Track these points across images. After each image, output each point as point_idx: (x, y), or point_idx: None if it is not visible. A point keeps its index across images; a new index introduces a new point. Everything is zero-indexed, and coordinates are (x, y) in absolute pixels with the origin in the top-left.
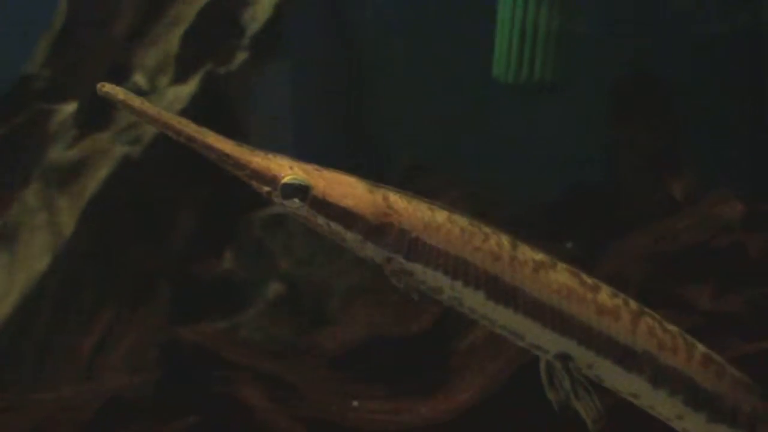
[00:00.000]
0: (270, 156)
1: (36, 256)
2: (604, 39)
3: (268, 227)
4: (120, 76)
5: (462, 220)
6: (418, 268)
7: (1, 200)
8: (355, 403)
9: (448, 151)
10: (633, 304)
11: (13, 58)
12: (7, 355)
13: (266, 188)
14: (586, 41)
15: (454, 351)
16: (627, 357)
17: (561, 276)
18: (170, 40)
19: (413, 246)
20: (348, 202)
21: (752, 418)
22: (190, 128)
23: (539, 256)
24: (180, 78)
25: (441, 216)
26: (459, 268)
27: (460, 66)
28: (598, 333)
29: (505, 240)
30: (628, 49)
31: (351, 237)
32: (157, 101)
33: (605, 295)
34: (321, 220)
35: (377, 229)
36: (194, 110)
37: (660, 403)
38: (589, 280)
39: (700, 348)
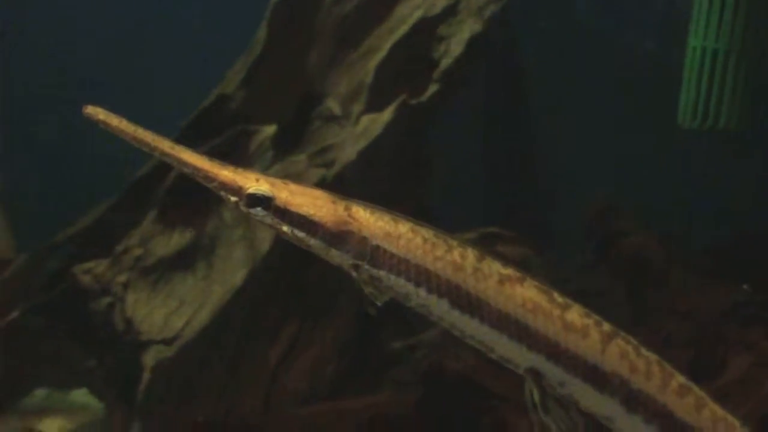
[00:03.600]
0: (239, 170)
1: (232, 269)
2: None
3: None
4: (313, 101)
5: (426, 232)
6: (381, 274)
7: (201, 215)
8: None
9: (628, 194)
10: (607, 326)
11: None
12: (201, 361)
13: (233, 198)
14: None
15: None
16: (596, 376)
17: (528, 291)
18: (364, 70)
19: (375, 253)
20: (309, 211)
21: None
22: (165, 144)
23: (507, 271)
24: (371, 106)
25: (404, 227)
26: (421, 276)
27: (644, 111)
28: (565, 349)
29: (471, 253)
30: None
31: (315, 244)
32: (352, 127)
33: (575, 313)
34: (286, 227)
35: (338, 236)
36: (387, 139)
37: (636, 431)
38: (560, 299)
39: (679, 378)
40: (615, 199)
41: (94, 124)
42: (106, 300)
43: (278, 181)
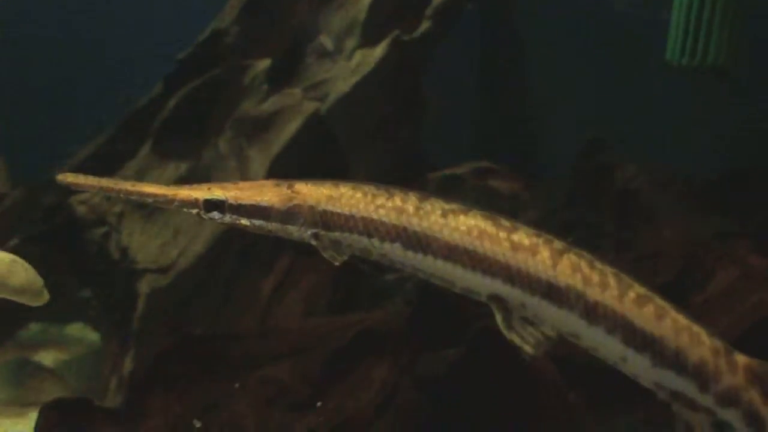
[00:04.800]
0: (194, 186)
1: None
2: None
3: (443, 188)
4: (306, 37)
5: (367, 187)
6: (337, 235)
7: (196, 146)
8: None
9: (619, 129)
10: (558, 243)
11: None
12: (196, 291)
13: (194, 210)
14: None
15: (690, 304)
16: (551, 293)
17: (472, 219)
18: (358, 6)
19: (324, 217)
20: (257, 199)
21: (701, 369)
22: (126, 185)
23: (451, 206)
24: (365, 42)
25: (344, 187)
26: (369, 227)
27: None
28: (517, 270)
29: (412, 196)
30: None
31: (273, 227)
32: (345, 62)
33: (523, 234)
34: (245, 221)
35: (289, 212)
36: (380, 74)
37: (600, 344)
38: (507, 223)
39: (638, 288)
40: (604, 134)
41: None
42: (102, 230)
43: (228, 184)
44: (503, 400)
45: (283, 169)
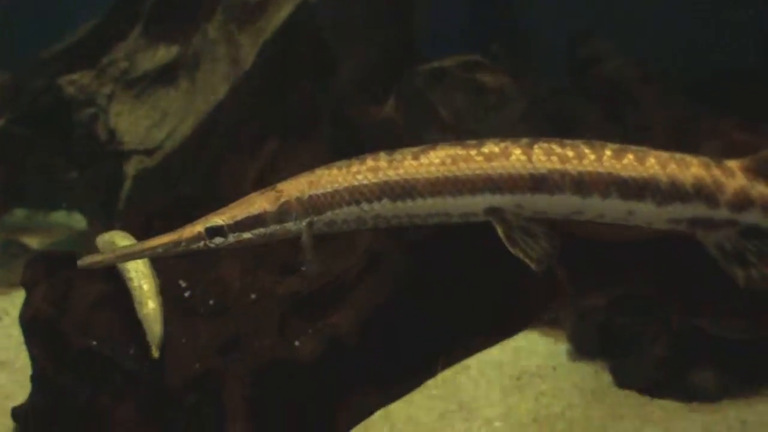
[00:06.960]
0: (194, 222)
1: (215, 85)
2: None
3: (430, 79)
4: None
5: (340, 162)
6: (329, 215)
7: (186, 31)
8: None
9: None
10: (524, 140)
11: None
12: (183, 170)
13: (201, 244)
14: None
15: None
16: (538, 183)
17: (441, 151)
18: None
19: (312, 202)
20: (250, 211)
21: (701, 186)
22: (136, 247)
23: (420, 147)
24: None
25: (319, 170)
26: (354, 194)
27: None
28: (498, 176)
29: (382, 153)
30: None
31: (272, 230)
32: None
33: (491, 144)
34: (247, 235)
35: (280, 211)
36: None
37: (603, 210)
38: (473, 141)
39: (611, 146)
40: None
41: None
42: (90, 110)
43: (222, 209)
44: (489, 265)
45: (273, 55)
